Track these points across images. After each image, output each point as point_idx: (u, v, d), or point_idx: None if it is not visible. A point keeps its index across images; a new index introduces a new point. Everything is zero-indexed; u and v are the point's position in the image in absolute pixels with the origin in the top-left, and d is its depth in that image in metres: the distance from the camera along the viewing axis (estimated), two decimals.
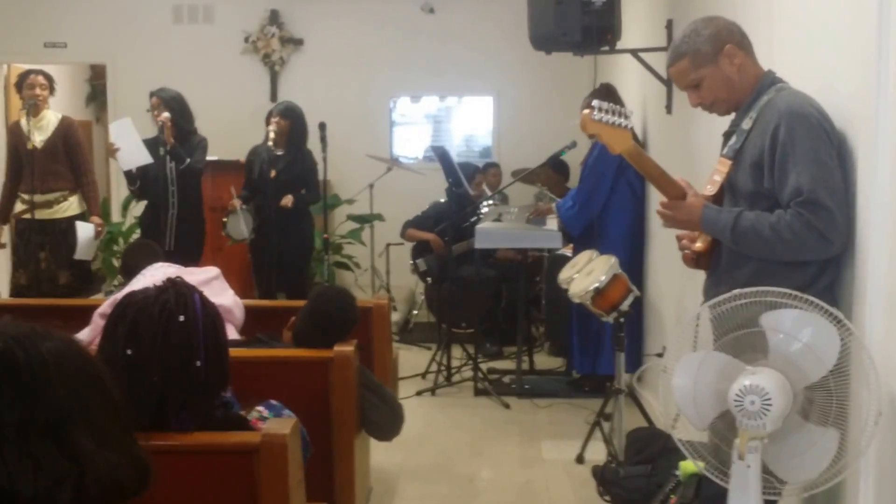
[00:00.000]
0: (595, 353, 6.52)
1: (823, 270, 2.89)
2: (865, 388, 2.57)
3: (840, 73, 2.98)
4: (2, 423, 1.48)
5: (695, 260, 3.17)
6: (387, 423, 4.10)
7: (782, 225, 2.81)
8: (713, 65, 3.04)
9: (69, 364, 1.56)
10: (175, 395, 2.43)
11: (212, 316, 2.52)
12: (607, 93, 6.56)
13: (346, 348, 3.76)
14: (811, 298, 2.60)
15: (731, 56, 3.03)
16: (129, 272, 4.55)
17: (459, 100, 10.06)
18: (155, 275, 3.83)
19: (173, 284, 2.52)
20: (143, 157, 6.48)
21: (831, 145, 2.83)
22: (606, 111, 2.89)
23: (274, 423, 2.65)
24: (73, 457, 1.50)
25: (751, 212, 2.91)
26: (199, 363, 2.43)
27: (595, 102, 2.93)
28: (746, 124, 3.00)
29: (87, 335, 4.02)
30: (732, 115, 3.20)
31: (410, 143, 10.12)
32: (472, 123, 10.14)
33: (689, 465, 3.84)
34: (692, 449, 2.91)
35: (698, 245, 3.14)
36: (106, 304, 3.90)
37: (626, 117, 2.90)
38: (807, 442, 2.65)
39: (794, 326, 2.61)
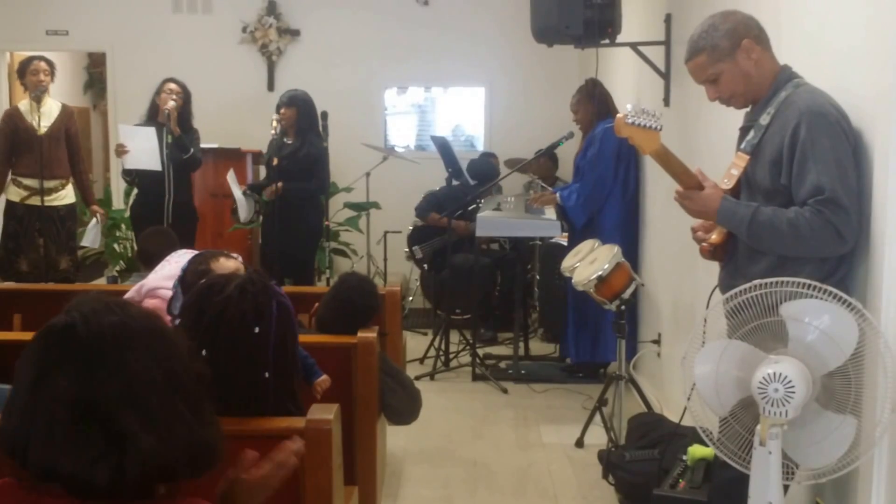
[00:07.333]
0: (593, 341, 6.59)
1: (838, 266, 2.94)
2: (881, 376, 2.62)
3: (854, 75, 3.02)
4: (56, 399, 1.51)
5: (711, 252, 3.21)
6: (406, 407, 4.15)
7: (801, 221, 2.84)
8: (731, 59, 3.06)
9: (130, 342, 1.57)
10: (244, 399, 2.49)
11: (286, 324, 2.54)
12: (593, 87, 6.68)
13: (369, 335, 3.80)
14: (828, 288, 2.64)
15: (749, 51, 3.05)
16: (149, 259, 4.61)
17: (445, 90, 10.07)
18: (180, 261, 3.86)
19: (254, 286, 2.52)
20: (154, 165, 6.48)
21: (848, 145, 2.89)
22: (639, 114, 2.93)
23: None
24: (116, 438, 1.51)
25: (768, 207, 2.94)
26: (267, 374, 2.51)
27: (629, 106, 2.97)
28: (764, 120, 3.03)
29: None
30: (733, 108, 3.23)
31: (401, 132, 10.17)
32: (462, 113, 10.16)
33: (697, 450, 3.93)
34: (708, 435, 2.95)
35: (714, 237, 3.17)
36: (132, 291, 3.92)
37: (657, 119, 2.95)
38: (825, 429, 2.69)
39: (813, 315, 2.64)
